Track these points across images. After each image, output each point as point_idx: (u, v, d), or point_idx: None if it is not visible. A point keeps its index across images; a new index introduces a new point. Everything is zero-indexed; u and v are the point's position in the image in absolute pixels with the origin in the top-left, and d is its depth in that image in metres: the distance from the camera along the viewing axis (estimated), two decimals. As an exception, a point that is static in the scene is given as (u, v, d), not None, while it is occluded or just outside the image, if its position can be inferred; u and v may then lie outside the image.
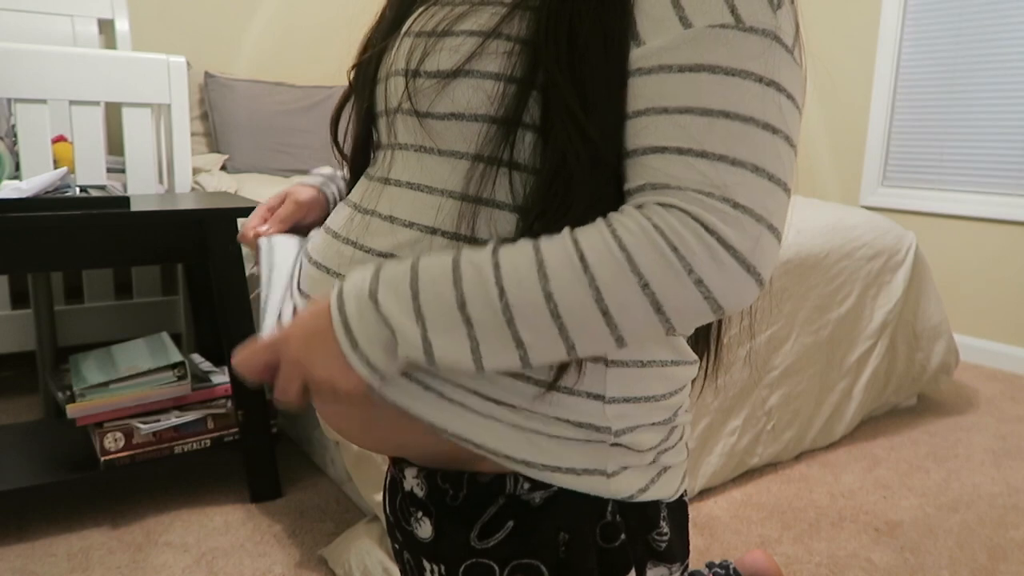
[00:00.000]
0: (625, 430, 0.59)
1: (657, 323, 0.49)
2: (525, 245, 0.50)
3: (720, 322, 0.73)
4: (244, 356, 0.57)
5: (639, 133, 0.51)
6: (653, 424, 0.62)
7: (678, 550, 0.66)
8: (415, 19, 0.59)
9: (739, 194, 0.48)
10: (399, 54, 0.59)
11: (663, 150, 0.50)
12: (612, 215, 0.50)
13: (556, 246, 0.49)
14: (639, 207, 0.49)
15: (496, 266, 0.50)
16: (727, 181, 0.48)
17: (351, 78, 0.68)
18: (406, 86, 0.58)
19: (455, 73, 0.55)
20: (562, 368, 0.56)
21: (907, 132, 2.96)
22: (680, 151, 0.49)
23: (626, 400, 0.59)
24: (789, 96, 0.51)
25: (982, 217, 2.75)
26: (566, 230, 0.50)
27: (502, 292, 0.49)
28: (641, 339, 0.50)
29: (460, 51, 0.54)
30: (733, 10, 0.50)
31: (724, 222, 0.48)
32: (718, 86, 0.49)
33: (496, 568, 0.60)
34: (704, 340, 0.73)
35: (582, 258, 0.48)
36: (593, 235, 0.49)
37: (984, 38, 2.71)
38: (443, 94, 0.56)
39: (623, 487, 0.60)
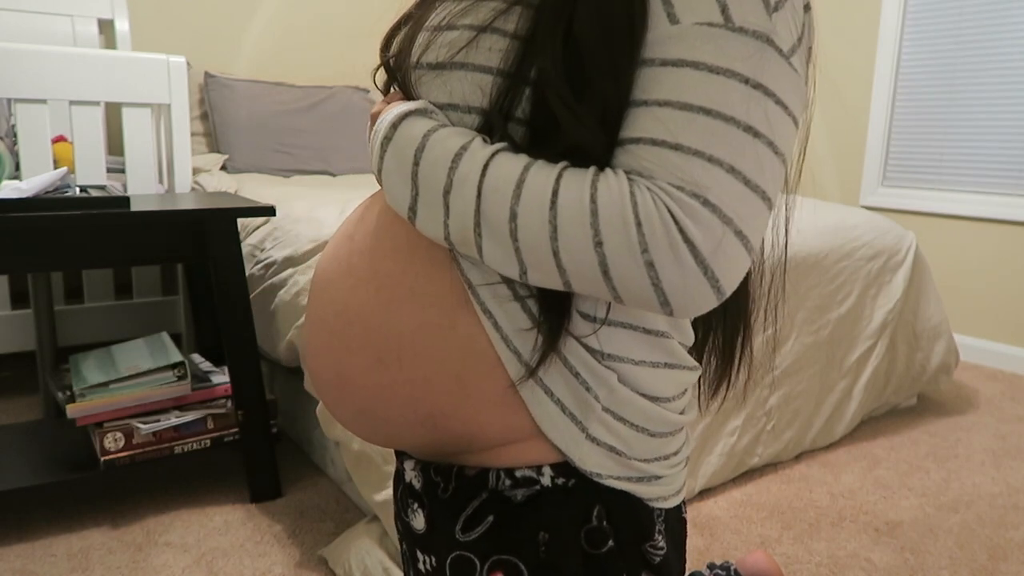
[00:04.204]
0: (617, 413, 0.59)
1: (603, 285, 0.49)
2: (519, 161, 0.51)
3: (747, 329, 0.72)
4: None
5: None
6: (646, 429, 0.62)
7: (674, 565, 0.66)
8: (429, 14, 0.60)
9: (710, 192, 0.47)
10: (414, 48, 0.60)
11: (638, 141, 0.50)
12: (606, 171, 0.50)
13: (542, 174, 0.50)
14: (630, 178, 0.49)
15: (484, 168, 0.51)
16: (699, 178, 0.47)
17: (382, 70, 0.68)
18: (409, 78, 0.59)
19: (451, 65, 0.56)
20: (544, 356, 0.56)
21: (907, 132, 2.96)
22: (654, 142, 0.49)
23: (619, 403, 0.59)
24: (779, 102, 0.50)
25: (982, 217, 2.75)
26: (561, 164, 0.51)
27: (479, 195, 0.51)
28: (588, 292, 0.51)
29: (456, 44, 0.55)
30: (723, 9, 0.49)
31: (691, 218, 0.47)
32: (700, 83, 0.48)
33: (477, 562, 0.60)
34: (729, 346, 0.71)
35: (555, 193, 0.49)
36: (576, 179, 0.49)
37: (984, 38, 2.71)
38: (440, 85, 0.57)
39: (591, 462, 0.59)
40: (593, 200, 0.48)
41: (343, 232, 0.67)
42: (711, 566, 1.13)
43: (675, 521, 0.67)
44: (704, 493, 1.70)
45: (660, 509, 0.64)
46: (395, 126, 0.56)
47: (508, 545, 0.59)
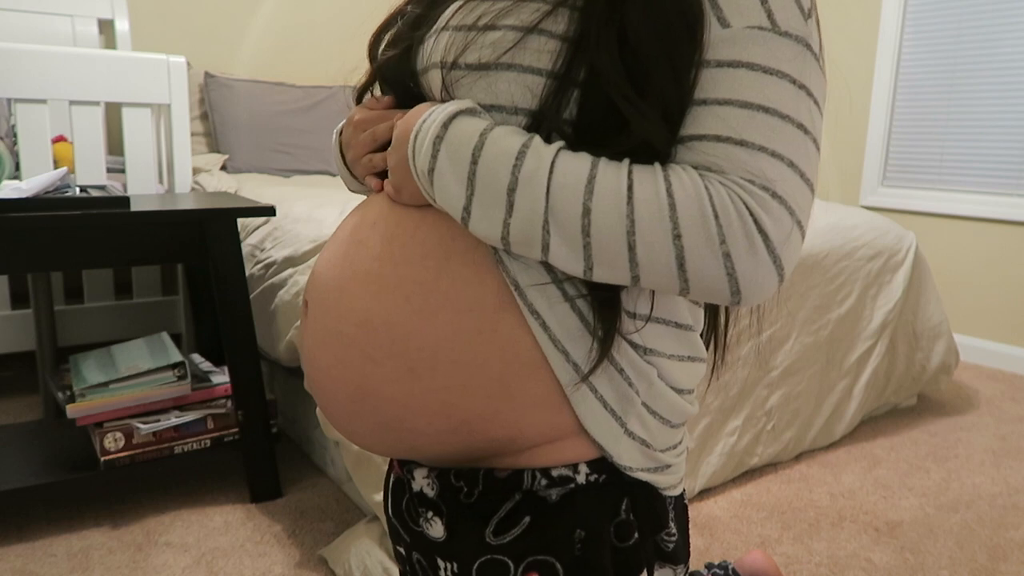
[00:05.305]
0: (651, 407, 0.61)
1: (676, 278, 0.50)
2: (585, 157, 0.52)
3: (728, 316, 0.74)
4: (374, 113, 0.64)
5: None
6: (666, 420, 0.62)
7: (682, 551, 0.66)
8: (454, 13, 0.59)
9: (777, 185, 0.50)
10: (437, 48, 0.59)
11: (701, 138, 0.51)
12: (671, 166, 0.51)
13: (611, 170, 0.51)
14: (700, 173, 0.51)
15: (552, 166, 0.52)
16: (767, 172, 0.50)
17: (375, 70, 0.67)
18: (443, 79, 0.58)
19: (496, 66, 0.55)
20: (600, 360, 0.57)
21: (907, 132, 2.96)
22: (719, 139, 0.51)
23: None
24: (816, 101, 0.53)
25: (982, 217, 2.75)
26: (626, 161, 0.52)
27: (548, 193, 0.51)
28: (656, 286, 0.52)
29: (501, 45, 0.55)
30: (770, 15, 0.52)
31: (764, 209, 0.49)
32: (756, 82, 0.51)
33: (511, 564, 0.60)
34: (711, 334, 0.73)
35: (630, 188, 0.50)
36: (648, 174, 0.50)
37: (984, 38, 2.71)
38: (484, 87, 0.56)
39: (626, 456, 0.60)
40: (670, 195, 0.49)
41: (348, 238, 0.64)
42: (709, 566, 1.13)
43: (681, 508, 0.68)
44: (704, 493, 1.70)
45: (671, 497, 0.65)
46: (446, 125, 0.55)
47: (544, 545, 0.59)
